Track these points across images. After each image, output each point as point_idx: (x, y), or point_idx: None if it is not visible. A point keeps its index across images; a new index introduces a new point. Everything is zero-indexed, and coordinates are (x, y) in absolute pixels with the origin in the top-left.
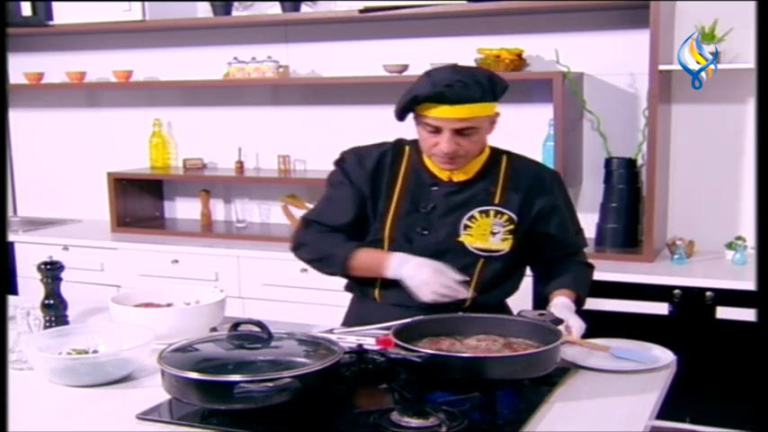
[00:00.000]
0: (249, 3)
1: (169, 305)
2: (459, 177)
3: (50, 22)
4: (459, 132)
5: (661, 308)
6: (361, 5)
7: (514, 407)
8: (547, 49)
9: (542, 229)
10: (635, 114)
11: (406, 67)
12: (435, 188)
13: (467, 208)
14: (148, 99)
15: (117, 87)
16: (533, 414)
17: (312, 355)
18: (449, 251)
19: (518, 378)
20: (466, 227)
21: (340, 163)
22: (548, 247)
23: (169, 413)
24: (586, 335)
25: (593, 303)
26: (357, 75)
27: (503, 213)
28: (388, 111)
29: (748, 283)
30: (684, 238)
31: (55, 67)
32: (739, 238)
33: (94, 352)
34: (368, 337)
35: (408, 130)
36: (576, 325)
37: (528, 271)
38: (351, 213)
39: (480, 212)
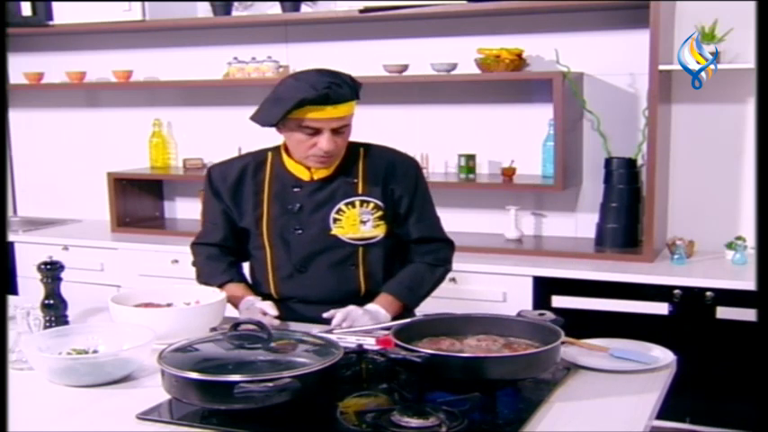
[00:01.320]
0: (249, 3)
1: (169, 305)
2: (320, 175)
3: (50, 22)
4: (335, 131)
5: (661, 308)
6: (361, 5)
7: (514, 407)
8: (547, 49)
9: (402, 213)
10: (635, 114)
11: (405, 67)
12: (298, 189)
13: (332, 202)
14: (148, 99)
15: (117, 87)
16: (533, 414)
17: (312, 355)
18: (325, 245)
19: (518, 378)
20: (335, 220)
21: (207, 179)
22: (408, 232)
23: (169, 413)
24: (585, 335)
25: (593, 303)
26: (357, 75)
27: (368, 202)
28: (389, 111)
29: (748, 283)
30: (684, 238)
31: (55, 67)
32: (739, 238)
33: (94, 352)
34: (368, 337)
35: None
36: (339, 316)
37: (527, 271)
38: (223, 229)
39: (346, 204)
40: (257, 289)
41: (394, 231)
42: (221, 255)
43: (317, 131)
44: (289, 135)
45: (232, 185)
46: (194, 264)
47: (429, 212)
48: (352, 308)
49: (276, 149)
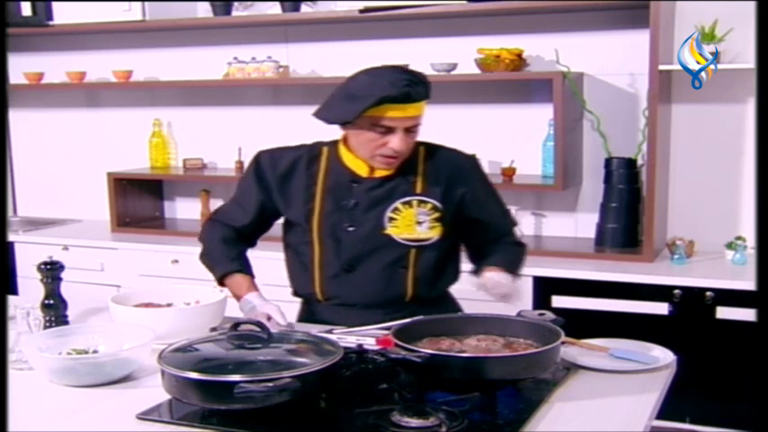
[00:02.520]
0: (249, 3)
1: (169, 305)
2: (380, 172)
3: (50, 22)
4: (407, 131)
5: (661, 308)
6: (361, 5)
7: (514, 407)
8: (547, 49)
9: (469, 215)
10: (635, 114)
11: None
12: (356, 184)
13: (389, 200)
14: (148, 99)
15: (117, 87)
16: (533, 414)
17: (312, 355)
18: (377, 245)
19: (518, 378)
20: (390, 219)
21: (254, 163)
22: (477, 233)
23: (169, 413)
24: (585, 335)
25: (593, 303)
26: None
27: (426, 202)
28: None
29: (748, 283)
30: (684, 238)
31: (55, 67)
32: (739, 238)
33: (94, 352)
34: (368, 337)
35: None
36: (493, 277)
37: (527, 271)
38: (251, 215)
39: (403, 203)
40: (299, 290)
41: (470, 235)
42: (236, 240)
43: (389, 130)
44: (357, 133)
45: (282, 175)
46: (203, 240)
47: (502, 203)
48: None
49: (332, 144)
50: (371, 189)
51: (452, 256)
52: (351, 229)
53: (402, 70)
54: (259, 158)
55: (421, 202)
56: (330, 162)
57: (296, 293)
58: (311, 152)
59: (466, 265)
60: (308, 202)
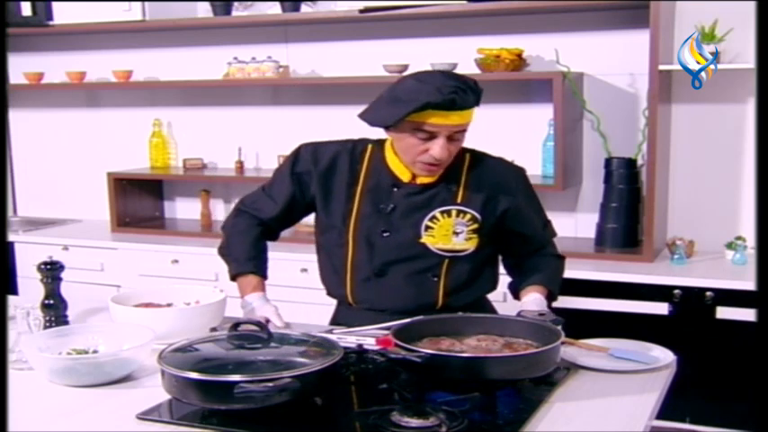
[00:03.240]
0: (249, 3)
1: (169, 305)
2: (422, 179)
3: (50, 22)
4: (449, 138)
5: (661, 308)
6: (361, 5)
7: (514, 407)
8: (547, 49)
9: (510, 227)
10: (635, 114)
11: (406, 68)
12: (396, 189)
13: (428, 208)
14: (148, 99)
15: (117, 87)
16: (533, 414)
17: (312, 355)
18: (411, 253)
19: (518, 378)
20: (427, 228)
21: (293, 156)
22: (517, 245)
23: (169, 413)
24: (585, 335)
25: (593, 303)
26: (357, 75)
27: (465, 213)
28: None
29: (748, 283)
30: (684, 238)
31: (55, 67)
32: (739, 238)
33: (94, 352)
34: (368, 337)
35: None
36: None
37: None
38: (279, 209)
39: (442, 212)
40: (332, 291)
41: (509, 251)
42: (258, 235)
43: (431, 136)
44: (399, 137)
45: (325, 170)
46: (225, 230)
47: (544, 215)
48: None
49: (379, 143)
50: (411, 195)
51: (488, 265)
52: (386, 234)
53: (451, 76)
54: (299, 152)
55: (460, 212)
56: (373, 162)
57: (329, 294)
58: (355, 148)
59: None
60: (348, 201)
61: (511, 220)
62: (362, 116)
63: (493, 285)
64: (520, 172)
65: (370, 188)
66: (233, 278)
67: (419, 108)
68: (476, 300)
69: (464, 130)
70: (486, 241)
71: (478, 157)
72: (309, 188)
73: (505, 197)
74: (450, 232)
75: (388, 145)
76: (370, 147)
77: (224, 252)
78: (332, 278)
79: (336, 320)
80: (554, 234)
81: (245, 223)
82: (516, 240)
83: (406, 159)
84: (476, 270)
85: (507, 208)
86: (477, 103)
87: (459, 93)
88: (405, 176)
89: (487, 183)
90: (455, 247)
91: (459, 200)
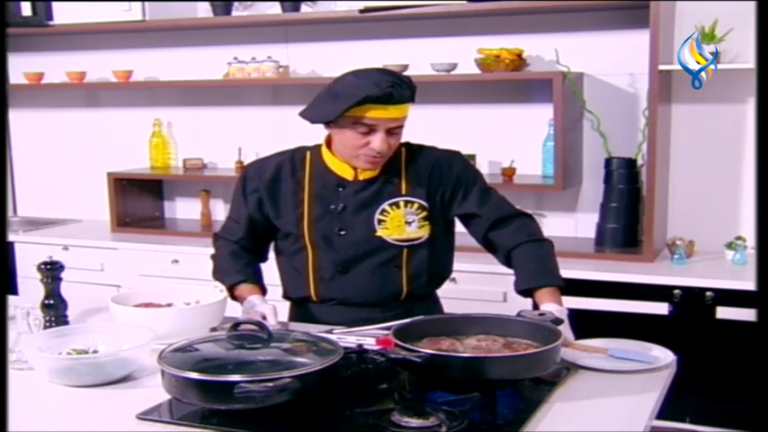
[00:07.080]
0: (249, 3)
1: (169, 305)
2: (365, 175)
3: (50, 22)
4: (389, 132)
5: (661, 308)
6: (361, 5)
7: (514, 407)
8: (547, 49)
9: (461, 210)
10: (635, 114)
11: (405, 67)
12: (342, 188)
13: (377, 203)
14: (148, 99)
15: (117, 87)
16: (533, 414)
17: (312, 355)
18: (370, 247)
19: (518, 378)
20: (380, 221)
21: (242, 178)
22: (479, 224)
23: (169, 413)
24: (585, 335)
25: (593, 303)
26: None
27: (412, 202)
28: None
29: (748, 283)
30: (684, 238)
31: (55, 67)
32: (739, 238)
33: (94, 352)
34: (368, 337)
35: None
36: (569, 337)
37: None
38: (243, 230)
39: (390, 205)
40: (292, 293)
41: (472, 232)
42: (241, 252)
43: (371, 131)
44: (340, 133)
45: (270, 182)
46: (214, 258)
47: (491, 194)
48: (566, 329)
49: (315, 148)
50: (358, 192)
51: (443, 254)
52: (342, 233)
53: (387, 72)
54: (246, 172)
55: (407, 202)
56: (314, 167)
57: (286, 296)
58: (294, 157)
59: (460, 264)
60: (296, 207)
61: (459, 203)
62: (303, 114)
63: (445, 275)
64: (455, 155)
65: (316, 192)
66: (231, 295)
67: (358, 102)
68: (431, 291)
69: (401, 126)
70: (440, 228)
71: (414, 149)
72: (263, 204)
73: (443, 182)
74: (402, 222)
75: (324, 149)
76: (308, 153)
77: (215, 275)
78: (295, 279)
79: (301, 317)
80: (515, 207)
81: (224, 246)
82: (476, 220)
83: (348, 154)
84: (434, 256)
85: (449, 190)
86: (412, 98)
87: (395, 87)
88: (348, 175)
89: (426, 171)
90: (410, 236)
91: (403, 191)
